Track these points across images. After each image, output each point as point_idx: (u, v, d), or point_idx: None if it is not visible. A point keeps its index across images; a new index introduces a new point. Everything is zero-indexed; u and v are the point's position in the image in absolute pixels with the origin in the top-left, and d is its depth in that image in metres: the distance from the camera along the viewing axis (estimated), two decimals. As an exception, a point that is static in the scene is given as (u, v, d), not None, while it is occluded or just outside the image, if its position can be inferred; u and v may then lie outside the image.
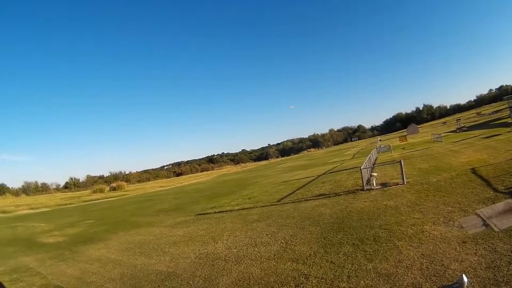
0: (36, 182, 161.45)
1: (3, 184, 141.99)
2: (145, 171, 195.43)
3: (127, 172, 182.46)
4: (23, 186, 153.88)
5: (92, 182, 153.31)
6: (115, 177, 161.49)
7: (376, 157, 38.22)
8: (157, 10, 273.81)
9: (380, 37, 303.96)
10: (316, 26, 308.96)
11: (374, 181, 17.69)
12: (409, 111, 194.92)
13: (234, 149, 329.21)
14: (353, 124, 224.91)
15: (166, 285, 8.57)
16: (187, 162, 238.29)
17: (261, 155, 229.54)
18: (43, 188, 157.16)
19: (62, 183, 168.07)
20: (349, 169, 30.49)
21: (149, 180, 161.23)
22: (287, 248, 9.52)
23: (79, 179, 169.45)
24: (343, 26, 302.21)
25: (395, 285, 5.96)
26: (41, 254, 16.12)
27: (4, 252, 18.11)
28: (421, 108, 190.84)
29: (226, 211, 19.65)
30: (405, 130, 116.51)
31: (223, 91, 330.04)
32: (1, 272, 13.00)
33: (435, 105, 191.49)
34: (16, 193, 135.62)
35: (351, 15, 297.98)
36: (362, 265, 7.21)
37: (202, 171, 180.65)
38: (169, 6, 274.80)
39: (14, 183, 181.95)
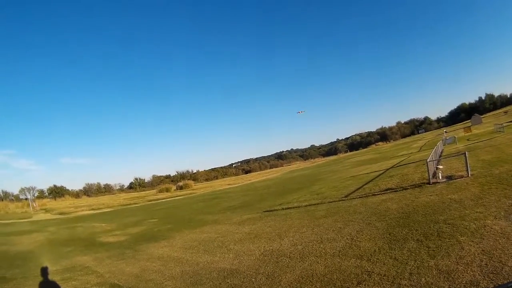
0: (99, 183, 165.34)
1: (63, 186, 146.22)
2: (213, 169, 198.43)
3: (194, 171, 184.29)
4: (84, 187, 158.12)
5: (158, 182, 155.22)
6: (182, 176, 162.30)
7: (442, 149, 37.01)
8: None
9: (441, 27, 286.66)
10: (375, 19, 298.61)
11: (440, 174, 17.12)
12: (472, 101, 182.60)
13: (303, 145, 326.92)
14: (420, 115, 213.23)
15: (228, 282, 8.56)
16: (256, 159, 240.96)
17: (330, 150, 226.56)
18: (106, 189, 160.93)
19: (126, 184, 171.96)
20: (416, 162, 29.61)
21: (217, 178, 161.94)
22: (353, 245, 9.50)
23: (144, 179, 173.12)
24: (403, 19, 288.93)
25: (454, 283, 5.88)
26: (99, 254, 16.05)
27: (59, 252, 17.79)
28: (483, 98, 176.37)
29: (293, 208, 19.72)
30: (469, 120, 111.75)
31: (289, 87, 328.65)
32: (53, 272, 12.57)
33: (496, 94, 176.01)
34: (76, 194, 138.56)
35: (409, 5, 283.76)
36: (424, 261, 7.14)
37: (271, 167, 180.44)
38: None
39: (75, 185, 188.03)
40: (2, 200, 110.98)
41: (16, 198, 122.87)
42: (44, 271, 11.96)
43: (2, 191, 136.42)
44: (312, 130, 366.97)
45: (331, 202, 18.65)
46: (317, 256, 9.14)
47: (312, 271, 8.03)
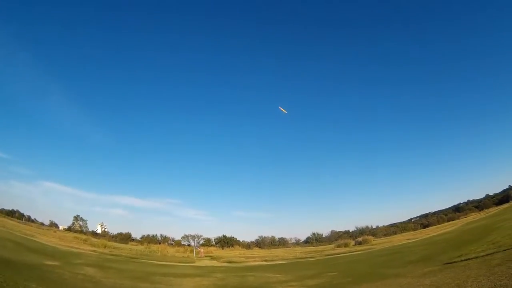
0: (273, 236, 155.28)
1: (233, 237, 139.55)
2: (392, 225, 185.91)
3: (373, 227, 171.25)
4: (256, 240, 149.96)
5: (336, 237, 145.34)
6: (361, 231, 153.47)
7: None
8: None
9: None
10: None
11: None
12: None
13: (478, 195, 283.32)
14: None
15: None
16: (434, 213, 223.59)
17: (503, 198, 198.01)
18: (281, 243, 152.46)
19: (302, 239, 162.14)
20: None
21: (395, 234, 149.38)
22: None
23: (322, 234, 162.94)
24: None
25: None
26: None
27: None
28: None
29: (471, 259, 19.11)
30: None
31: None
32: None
33: None
34: (247, 246, 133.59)
35: None
36: None
37: (448, 220, 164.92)
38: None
39: (247, 237, 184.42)
40: (160, 243, 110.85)
41: (177, 244, 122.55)
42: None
43: (161, 235, 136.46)
44: (485, 179, 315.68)
45: (505, 250, 17.98)
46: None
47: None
